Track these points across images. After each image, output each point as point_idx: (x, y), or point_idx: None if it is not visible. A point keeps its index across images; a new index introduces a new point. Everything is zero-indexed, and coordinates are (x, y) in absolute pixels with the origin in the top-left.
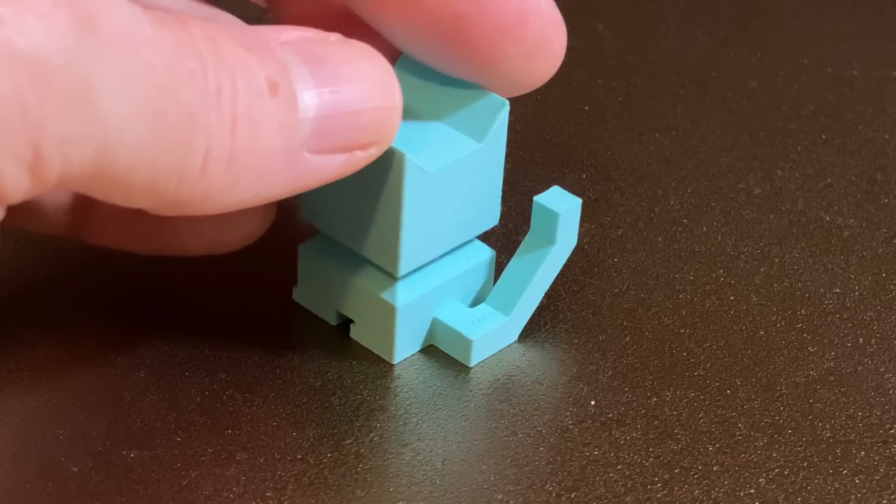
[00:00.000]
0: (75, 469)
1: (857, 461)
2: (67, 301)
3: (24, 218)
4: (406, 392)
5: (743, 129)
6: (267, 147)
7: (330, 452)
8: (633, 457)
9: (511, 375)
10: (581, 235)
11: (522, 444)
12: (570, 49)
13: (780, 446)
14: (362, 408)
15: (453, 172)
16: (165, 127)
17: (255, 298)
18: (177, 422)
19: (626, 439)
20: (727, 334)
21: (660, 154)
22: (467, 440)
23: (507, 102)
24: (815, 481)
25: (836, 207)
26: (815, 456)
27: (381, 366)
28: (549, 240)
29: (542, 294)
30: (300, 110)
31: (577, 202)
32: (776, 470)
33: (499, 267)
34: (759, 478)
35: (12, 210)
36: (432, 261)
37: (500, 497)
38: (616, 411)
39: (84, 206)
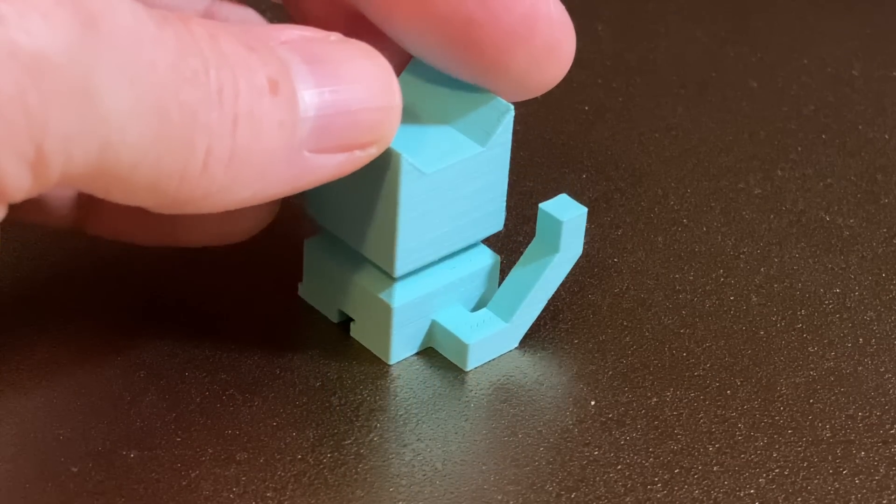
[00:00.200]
0: (75, 469)
1: (857, 461)
2: (67, 301)
3: (29, 211)
4: (406, 392)
5: (743, 129)
6: (267, 146)
7: (330, 452)
8: (633, 457)
9: (511, 376)
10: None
11: (522, 444)
12: None
13: (780, 446)
14: (362, 408)
15: (453, 175)
16: (168, 126)
17: (255, 299)
18: (177, 422)
19: (626, 439)
20: (727, 334)
21: (660, 154)
22: (467, 440)
23: (512, 107)
24: (815, 481)
25: (836, 207)
26: (815, 456)
27: (380, 366)
28: (553, 247)
29: (545, 301)
30: (300, 109)
31: (582, 211)
32: (776, 470)
33: (504, 268)
34: (759, 478)
35: (16, 203)
36: (433, 263)
37: (500, 497)
38: (616, 411)
39: (88, 199)
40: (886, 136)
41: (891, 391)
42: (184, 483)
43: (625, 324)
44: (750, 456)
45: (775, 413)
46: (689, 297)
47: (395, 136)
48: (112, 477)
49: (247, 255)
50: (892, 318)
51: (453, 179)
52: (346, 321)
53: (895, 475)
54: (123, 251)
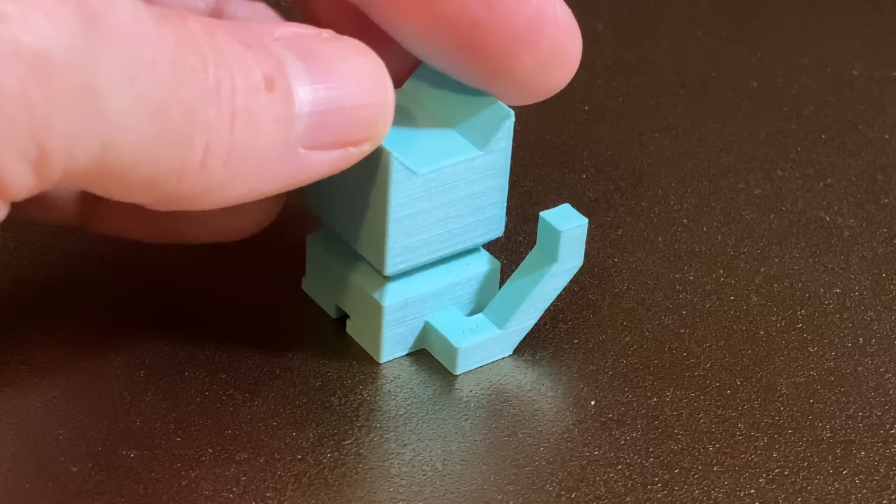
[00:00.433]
0: (75, 469)
1: (857, 461)
2: (67, 301)
3: (31, 209)
4: (406, 392)
5: (743, 129)
6: (264, 143)
7: (330, 452)
8: (633, 457)
9: (511, 376)
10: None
11: (522, 444)
12: None
13: (780, 446)
14: (362, 408)
15: (448, 177)
16: (167, 123)
17: (255, 299)
18: (177, 422)
19: (626, 439)
20: (727, 334)
21: (660, 154)
22: (467, 440)
23: (512, 113)
24: (815, 481)
25: (836, 207)
26: (815, 456)
27: (381, 366)
28: (552, 257)
29: (542, 311)
30: (296, 106)
31: (582, 222)
32: (776, 470)
33: (504, 268)
34: (759, 478)
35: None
36: (429, 265)
37: (500, 497)
38: (616, 411)
39: (91, 196)
40: (886, 136)
41: (891, 391)
42: (184, 483)
43: (625, 324)
44: (750, 456)
45: (775, 413)
46: (689, 297)
47: (396, 136)
48: (112, 477)
49: (248, 254)
50: (892, 318)
51: (448, 181)
52: (344, 317)
53: (895, 475)
54: (123, 251)
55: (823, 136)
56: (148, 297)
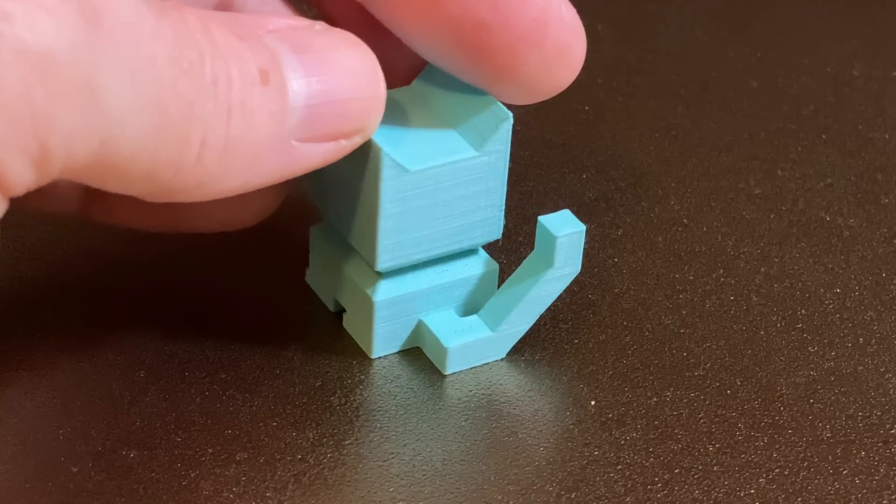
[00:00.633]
0: (75, 469)
1: (857, 461)
2: (67, 301)
3: (35, 198)
4: (407, 392)
5: (743, 129)
6: (259, 136)
7: (330, 452)
8: (633, 457)
9: (511, 375)
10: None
11: (522, 444)
12: None
13: (780, 446)
14: (362, 408)
15: (442, 176)
16: (166, 118)
17: (255, 299)
18: (177, 422)
19: (626, 439)
20: (727, 334)
21: (660, 154)
22: (467, 440)
23: (511, 115)
24: (815, 481)
25: (836, 207)
26: (815, 456)
27: (381, 366)
28: (548, 262)
29: (537, 315)
30: (290, 99)
31: (579, 228)
32: (776, 470)
33: (503, 268)
34: (759, 478)
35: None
36: (425, 264)
37: (500, 497)
38: (616, 411)
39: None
40: (886, 136)
41: (891, 391)
42: (184, 483)
43: (625, 324)
44: (750, 456)
45: (775, 413)
46: (689, 297)
47: (397, 133)
48: (112, 477)
49: (250, 249)
50: (892, 318)
51: (441, 181)
52: (342, 311)
53: (895, 475)
54: (123, 252)
55: (823, 136)
56: (148, 297)
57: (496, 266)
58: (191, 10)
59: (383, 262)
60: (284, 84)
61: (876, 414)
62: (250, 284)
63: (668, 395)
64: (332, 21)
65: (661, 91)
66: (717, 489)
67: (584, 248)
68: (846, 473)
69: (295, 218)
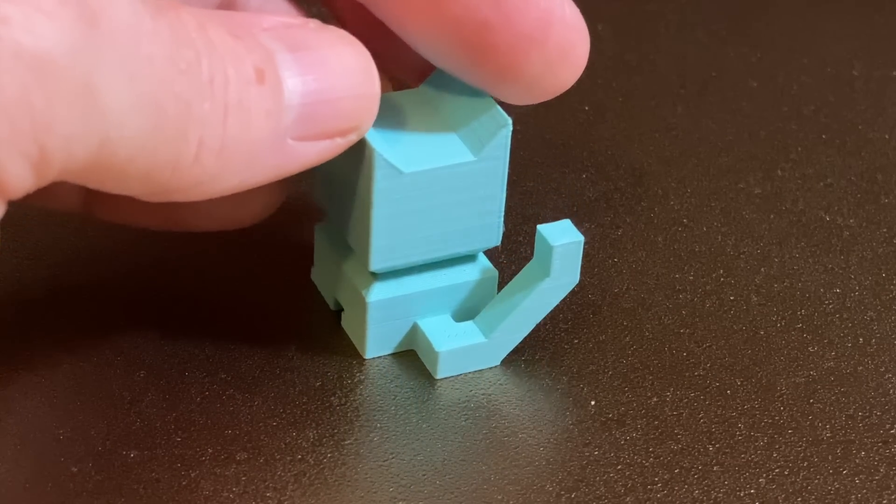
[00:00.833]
0: (75, 469)
1: (857, 461)
2: (67, 300)
3: (37, 196)
4: (406, 392)
5: (743, 129)
6: (255, 135)
7: (330, 452)
8: (633, 457)
9: (511, 376)
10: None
11: (522, 443)
12: None
13: (780, 446)
14: (362, 408)
15: (437, 179)
16: (163, 119)
17: (255, 299)
18: (177, 422)
19: (626, 439)
20: (727, 334)
21: (660, 154)
22: (467, 440)
23: (510, 121)
24: (815, 481)
25: (836, 207)
26: (815, 456)
27: (382, 366)
28: (545, 271)
29: (533, 324)
30: (285, 98)
31: (578, 238)
32: (776, 470)
33: (503, 268)
34: (759, 478)
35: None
36: (423, 268)
37: (500, 497)
38: (616, 411)
39: None
40: (886, 136)
41: (891, 391)
42: (184, 483)
43: (625, 324)
44: (750, 456)
45: (775, 413)
46: (689, 297)
47: (397, 135)
48: (112, 477)
49: (251, 251)
50: (892, 318)
51: (437, 184)
52: (342, 310)
53: (895, 475)
54: (124, 252)
55: (823, 136)
56: (149, 297)
57: (495, 273)
58: (187, 10)
59: (377, 262)
60: (280, 82)
61: (876, 414)
62: (250, 284)
63: (668, 395)
64: (342, 23)
65: (661, 91)
66: (717, 489)
67: (585, 248)
68: (846, 473)
69: (300, 217)
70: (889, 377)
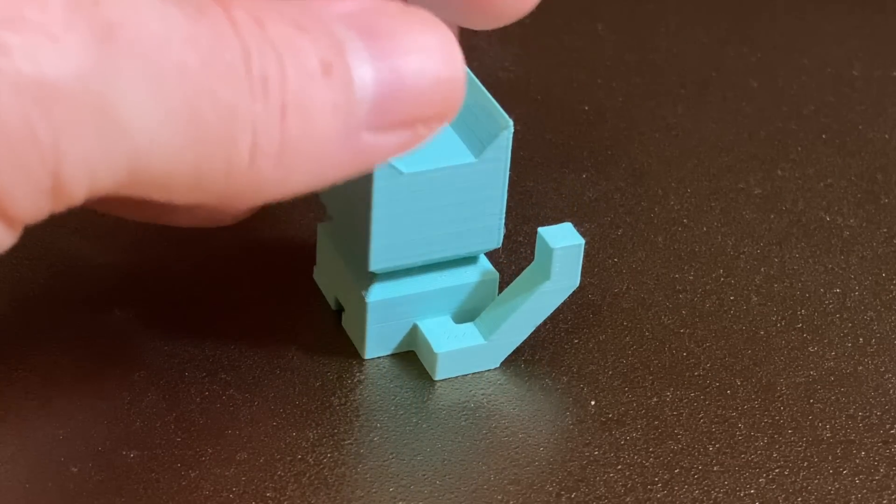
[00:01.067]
0: (75, 469)
1: (857, 461)
2: (67, 300)
3: None
4: (406, 392)
5: (743, 129)
6: (321, 131)
7: (330, 452)
8: (633, 457)
9: (511, 376)
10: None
11: (522, 443)
12: (570, 49)
13: (780, 446)
14: (362, 408)
15: (437, 180)
16: (203, 127)
17: (255, 299)
18: (177, 422)
19: (626, 439)
20: (727, 334)
21: (660, 154)
22: (467, 440)
23: (511, 123)
24: (815, 481)
25: (836, 207)
26: (815, 456)
27: (381, 366)
28: (545, 274)
29: (534, 326)
30: (356, 88)
31: (578, 242)
32: (776, 470)
33: (502, 268)
34: (759, 478)
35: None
36: (423, 269)
37: (500, 497)
38: (616, 411)
39: None
40: (886, 136)
41: (891, 391)
42: (184, 483)
43: (625, 324)
44: (750, 456)
45: (775, 413)
46: (689, 297)
47: None
48: (112, 477)
49: (250, 253)
50: (892, 318)
51: (437, 185)
52: (341, 310)
53: (895, 475)
54: (124, 252)
55: (823, 136)
56: (148, 297)
57: (496, 275)
58: (242, 4)
59: (376, 262)
60: (350, 73)
61: (876, 414)
62: (251, 284)
63: (668, 395)
64: None
65: (661, 91)
66: (717, 489)
67: (585, 249)
68: (846, 473)
69: (303, 215)
70: (889, 377)
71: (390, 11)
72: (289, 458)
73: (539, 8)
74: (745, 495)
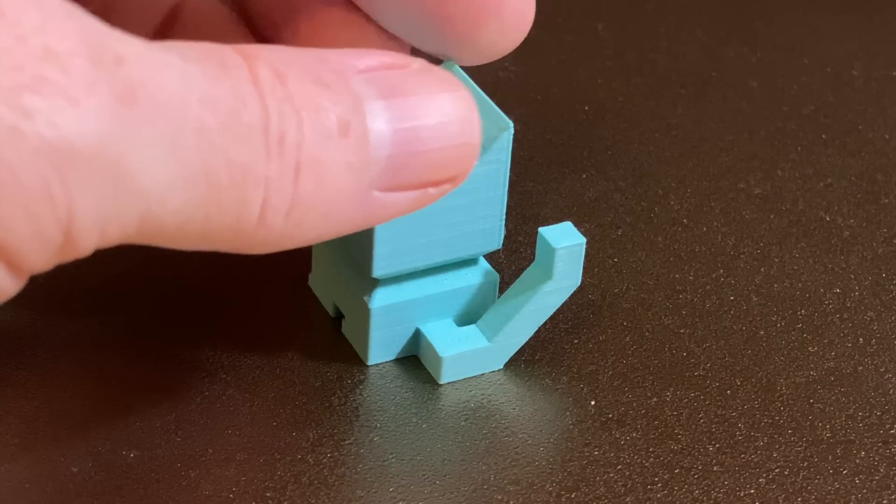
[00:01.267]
0: (75, 469)
1: (857, 461)
2: (67, 301)
3: None
4: (406, 393)
5: (743, 129)
6: (333, 190)
7: (330, 452)
8: (633, 457)
9: (511, 376)
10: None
11: (522, 443)
12: (570, 49)
13: (780, 446)
14: (362, 408)
15: None
16: (215, 188)
17: (255, 300)
18: (177, 422)
19: (626, 439)
20: (727, 334)
21: (660, 154)
22: (467, 440)
23: (511, 125)
24: (815, 481)
25: (836, 207)
26: (815, 456)
27: (381, 367)
28: (547, 274)
29: (536, 327)
30: (372, 149)
31: (579, 241)
32: (776, 470)
33: (503, 269)
34: (759, 478)
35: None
36: (424, 273)
37: (500, 497)
38: (616, 411)
39: None
40: (886, 136)
41: (891, 391)
42: (184, 483)
43: (625, 324)
44: (750, 456)
45: (775, 413)
46: (689, 297)
47: None
48: (112, 477)
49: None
50: (892, 318)
51: None
52: (342, 316)
53: (895, 475)
54: (124, 252)
55: (823, 136)
56: (148, 297)
57: (496, 277)
58: (266, 59)
59: (379, 268)
60: (366, 134)
61: (876, 414)
62: (251, 285)
63: (668, 395)
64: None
65: (661, 91)
66: (717, 489)
67: (585, 248)
68: (846, 473)
69: None
70: (889, 377)
71: (412, 69)
72: (289, 458)
73: (539, 8)
74: (745, 495)
